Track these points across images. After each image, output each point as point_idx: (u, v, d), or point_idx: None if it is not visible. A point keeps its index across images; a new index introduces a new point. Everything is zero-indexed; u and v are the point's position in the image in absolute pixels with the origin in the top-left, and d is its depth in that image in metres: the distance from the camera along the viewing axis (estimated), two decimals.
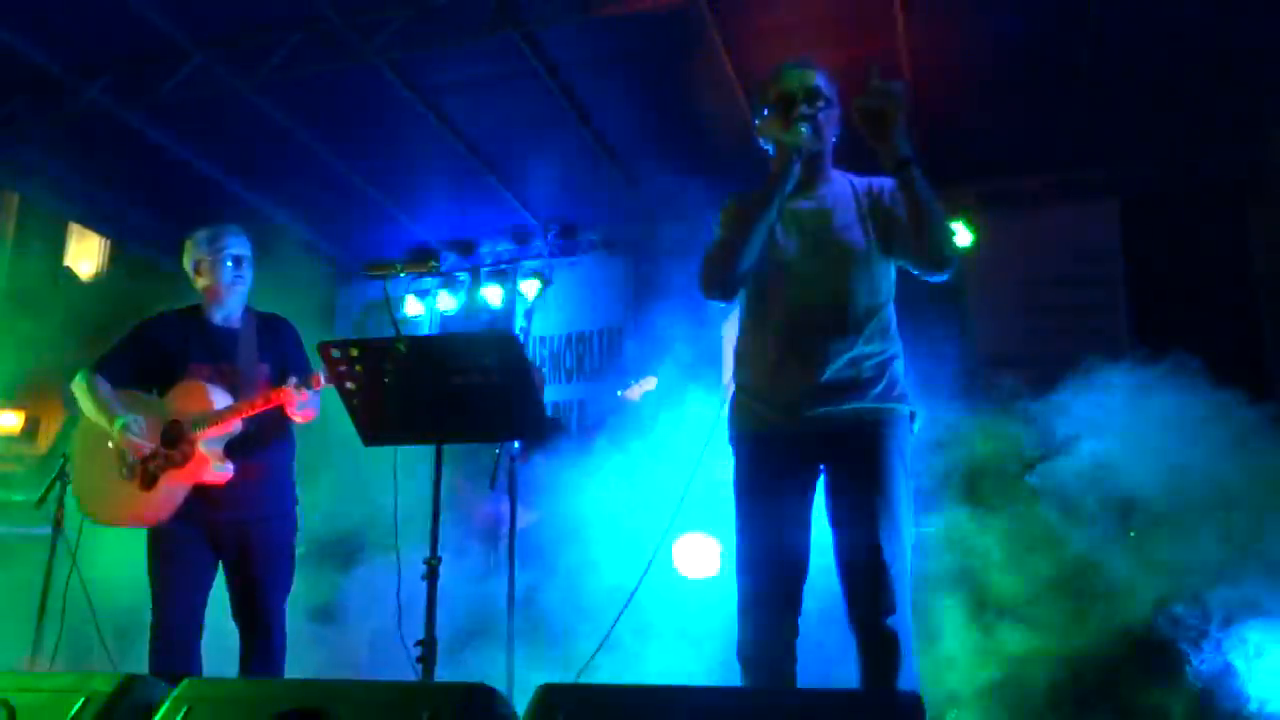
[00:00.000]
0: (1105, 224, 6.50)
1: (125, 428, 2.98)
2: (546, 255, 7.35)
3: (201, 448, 3.00)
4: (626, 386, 4.93)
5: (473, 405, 2.37)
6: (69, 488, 3.54)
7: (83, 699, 1.84)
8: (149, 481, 3.00)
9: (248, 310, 3.32)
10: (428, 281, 7.44)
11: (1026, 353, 6.14)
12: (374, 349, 2.39)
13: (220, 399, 3.05)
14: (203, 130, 6.54)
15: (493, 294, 7.41)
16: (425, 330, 7.35)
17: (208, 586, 3.06)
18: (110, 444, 3.06)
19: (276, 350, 3.25)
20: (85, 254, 13.11)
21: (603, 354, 7.14)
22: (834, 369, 2.33)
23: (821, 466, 2.37)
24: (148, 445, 3.00)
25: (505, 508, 4.05)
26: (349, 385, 2.43)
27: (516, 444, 3.30)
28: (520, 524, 4.26)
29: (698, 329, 6.12)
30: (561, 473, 4.32)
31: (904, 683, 2.13)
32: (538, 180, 6.98)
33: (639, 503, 4.58)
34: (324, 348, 2.44)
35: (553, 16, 5.23)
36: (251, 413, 3.03)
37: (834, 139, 2.50)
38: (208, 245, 3.24)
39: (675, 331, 5.80)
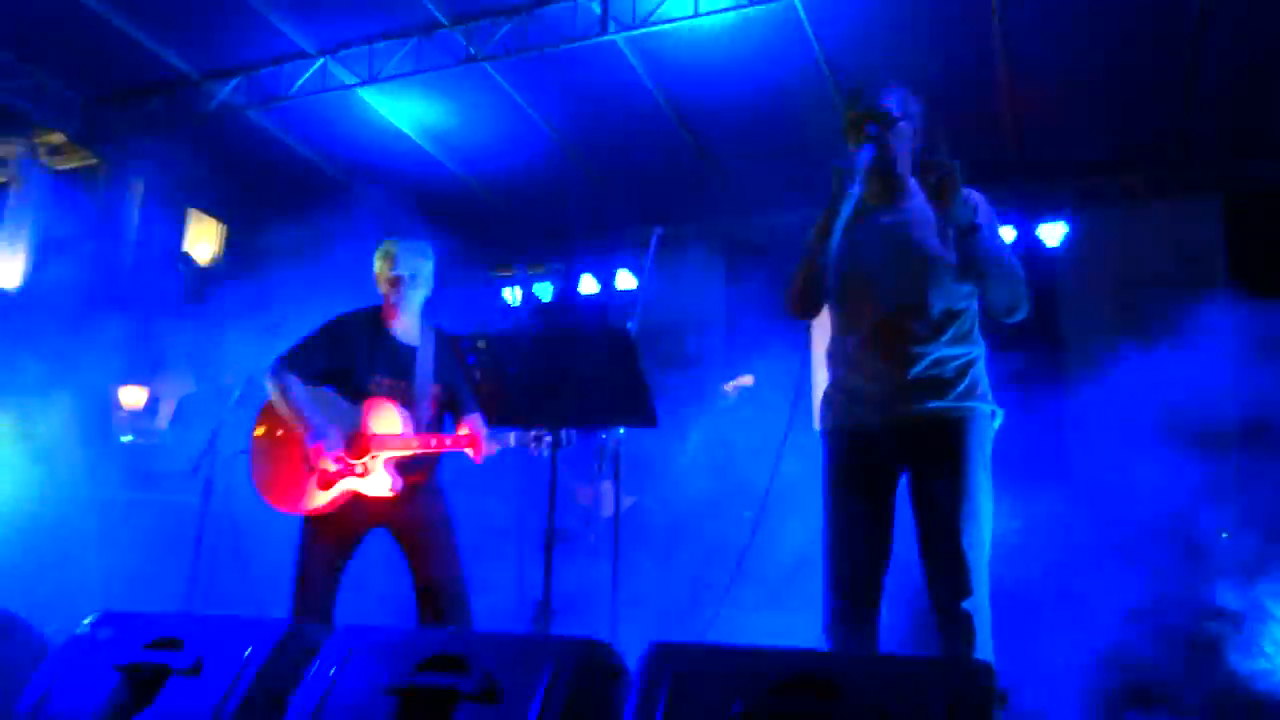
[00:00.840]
0: (1206, 222, 6.39)
1: (322, 446, 3.18)
2: (640, 247, 7.54)
3: (380, 465, 3.21)
4: (726, 381, 5.08)
5: (587, 394, 2.61)
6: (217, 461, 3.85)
7: (258, 638, 2.14)
8: (326, 483, 3.23)
9: (427, 326, 3.43)
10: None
11: (1119, 353, 6.11)
12: (500, 342, 2.64)
13: (407, 424, 3.23)
14: (321, 128, 6.96)
15: (588, 284, 7.64)
16: (524, 318, 7.67)
17: (344, 568, 3.28)
18: (299, 440, 3.25)
19: (450, 373, 3.37)
20: (203, 238, 13.90)
21: (691, 347, 7.32)
22: (917, 371, 2.49)
23: (905, 462, 2.54)
24: (334, 460, 3.20)
25: (604, 489, 4.31)
26: (476, 374, 2.69)
27: (621, 430, 3.52)
28: (621, 506, 4.54)
29: (787, 323, 6.26)
30: (652, 460, 4.56)
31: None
32: (633, 175, 7.19)
33: (725, 490, 4.80)
34: (454, 341, 2.69)
35: (655, 19, 5.43)
36: (437, 450, 3.23)
37: (907, 153, 2.61)
38: (379, 263, 3.38)
39: (765, 325, 5.94)
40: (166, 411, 6.97)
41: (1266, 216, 6.22)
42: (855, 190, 2.47)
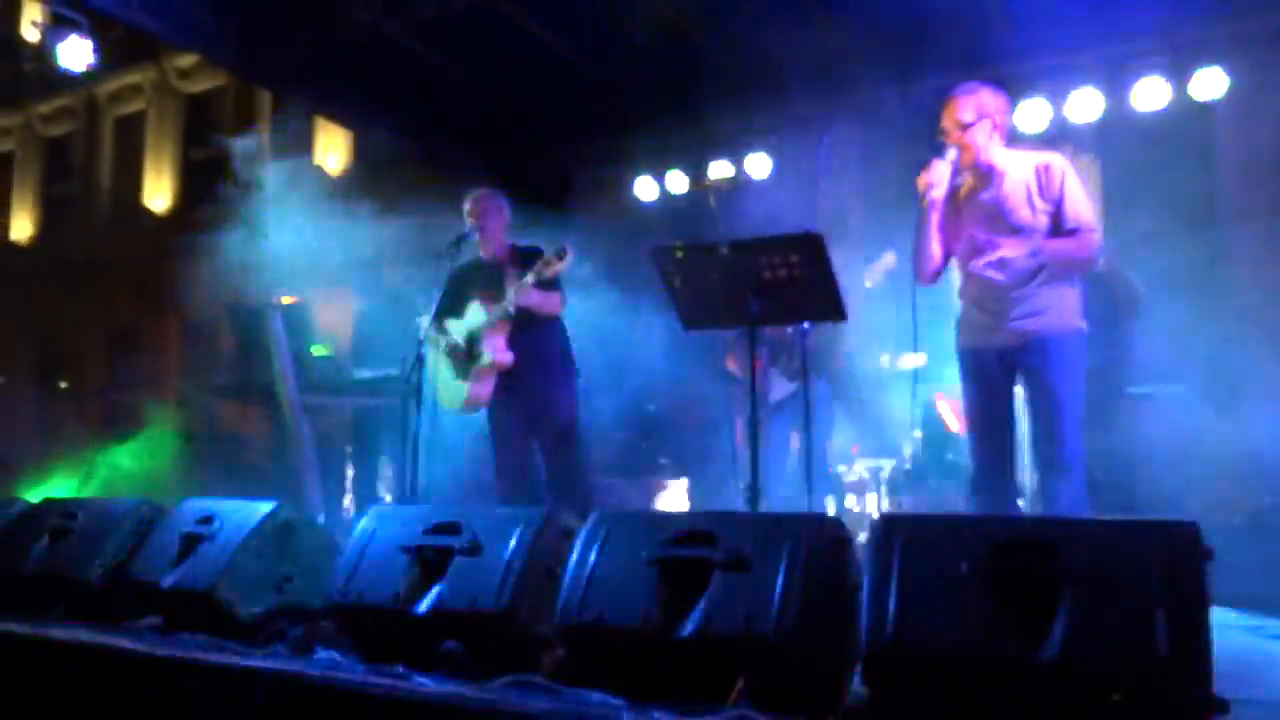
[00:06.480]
0: None
1: None
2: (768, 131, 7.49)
3: None
4: (868, 269, 5.05)
5: (781, 294, 2.83)
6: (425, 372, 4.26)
7: (522, 523, 2.50)
8: None
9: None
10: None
11: None
12: (698, 251, 2.87)
13: None
14: (459, 42, 7.10)
15: (720, 169, 7.63)
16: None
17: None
18: None
19: None
20: (332, 148, 14.40)
21: (829, 229, 7.30)
22: (1016, 309, 3.31)
23: (1015, 369, 3.38)
24: None
25: (772, 376, 4.58)
26: (675, 281, 2.93)
27: (806, 324, 3.73)
28: (784, 393, 4.79)
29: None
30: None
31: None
32: (757, 53, 7.07)
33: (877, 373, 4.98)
34: (655, 251, 2.93)
35: None
36: None
37: (989, 144, 3.37)
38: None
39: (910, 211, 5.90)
40: (346, 323, 7.35)
41: None
42: (934, 204, 3.37)
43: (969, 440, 3.47)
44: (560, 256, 3.92)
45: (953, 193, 3.49)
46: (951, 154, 3.36)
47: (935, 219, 3.41)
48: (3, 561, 3.35)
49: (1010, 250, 3.34)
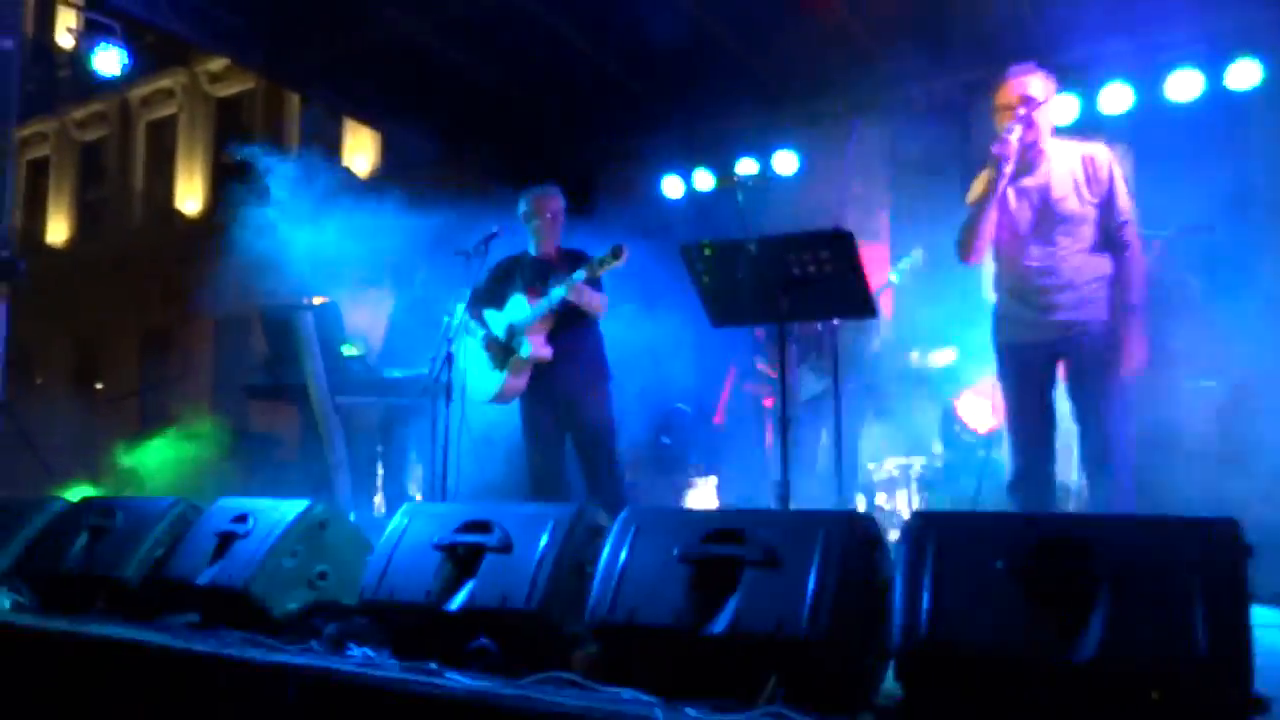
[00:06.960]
0: None
1: None
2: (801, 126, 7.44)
3: None
4: (896, 265, 5.02)
5: (810, 291, 2.82)
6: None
7: (552, 521, 2.50)
8: None
9: None
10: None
11: None
12: (727, 248, 2.86)
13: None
14: (485, 42, 7.11)
15: (745, 166, 7.61)
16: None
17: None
18: None
19: None
20: (360, 150, 14.50)
21: (856, 225, 7.25)
22: (1062, 300, 3.22)
23: (1059, 362, 3.27)
24: None
25: (802, 374, 4.55)
26: (705, 279, 2.93)
27: (836, 321, 3.72)
28: (814, 391, 4.76)
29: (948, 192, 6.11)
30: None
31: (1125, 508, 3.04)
32: (780, 50, 7.03)
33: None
34: (684, 249, 2.94)
35: None
36: None
37: (1048, 127, 3.25)
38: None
39: (937, 206, 5.84)
40: (376, 323, 7.39)
41: None
42: (1005, 170, 3.17)
43: (1009, 438, 3.38)
44: (616, 255, 3.90)
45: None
46: (1018, 130, 3.19)
47: (1001, 192, 3.25)
48: (43, 560, 3.41)
49: (1055, 242, 3.24)
